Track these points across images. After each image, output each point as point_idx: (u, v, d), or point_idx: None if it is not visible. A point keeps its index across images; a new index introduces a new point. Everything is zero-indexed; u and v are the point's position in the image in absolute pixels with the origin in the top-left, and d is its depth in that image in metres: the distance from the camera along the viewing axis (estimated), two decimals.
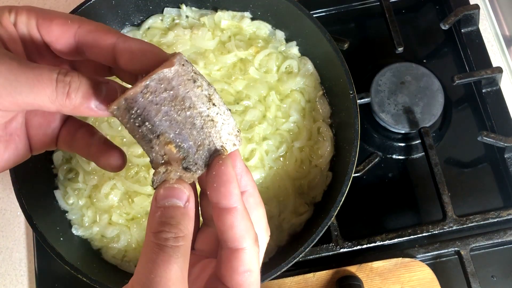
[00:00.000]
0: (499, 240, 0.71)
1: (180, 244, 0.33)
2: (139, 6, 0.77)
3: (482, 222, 0.71)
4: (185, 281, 0.33)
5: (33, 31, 0.39)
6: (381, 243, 0.71)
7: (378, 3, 0.82)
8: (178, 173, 0.36)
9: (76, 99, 0.36)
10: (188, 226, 0.34)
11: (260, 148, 0.70)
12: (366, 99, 0.77)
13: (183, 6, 0.78)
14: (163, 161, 0.36)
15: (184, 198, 0.35)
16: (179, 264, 0.33)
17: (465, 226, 0.71)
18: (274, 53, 0.75)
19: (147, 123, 0.35)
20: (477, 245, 0.71)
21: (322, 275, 0.70)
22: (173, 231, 0.33)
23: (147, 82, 0.35)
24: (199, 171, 0.37)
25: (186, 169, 0.36)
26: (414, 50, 0.85)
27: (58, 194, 0.71)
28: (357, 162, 0.64)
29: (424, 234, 0.71)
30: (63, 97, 0.36)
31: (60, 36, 0.39)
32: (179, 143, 0.36)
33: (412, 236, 0.71)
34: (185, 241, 0.34)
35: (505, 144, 0.73)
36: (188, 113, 0.35)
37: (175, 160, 0.36)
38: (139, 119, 0.35)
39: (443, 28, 0.81)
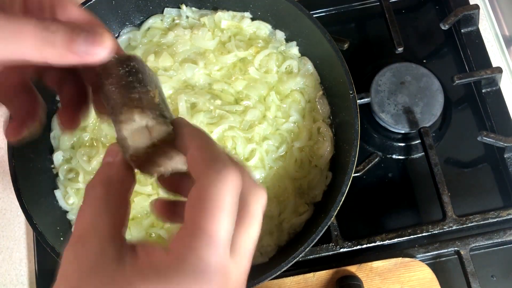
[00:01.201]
0: (499, 240, 0.71)
1: (96, 190, 0.34)
2: (139, 6, 0.77)
3: (482, 222, 0.71)
4: (103, 229, 0.32)
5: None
6: (381, 243, 0.71)
7: (378, 3, 0.82)
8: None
9: (61, 46, 0.35)
10: (109, 173, 0.35)
11: (260, 148, 0.70)
12: (366, 99, 0.77)
13: (183, 6, 0.78)
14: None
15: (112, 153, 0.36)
16: (92, 211, 0.33)
17: (465, 226, 0.71)
18: (274, 53, 0.75)
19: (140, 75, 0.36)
20: (477, 245, 0.71)
21: (322, 275, 0.70)
22: (93, 181, 0.35)
23: None
24: None
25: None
26: (414, 50, 0.85)
27: (58, 194, 0.71)
28: (357, 162, 0.64)
29: (424, 234, 0.71)
30: (48, 44, 0.35)
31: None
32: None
33: (412, 236, 0.71)
34: (102, 188, 0.34)
35: (505, 144, 0.73)
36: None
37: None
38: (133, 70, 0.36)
39: (443, 28, 0.81)
